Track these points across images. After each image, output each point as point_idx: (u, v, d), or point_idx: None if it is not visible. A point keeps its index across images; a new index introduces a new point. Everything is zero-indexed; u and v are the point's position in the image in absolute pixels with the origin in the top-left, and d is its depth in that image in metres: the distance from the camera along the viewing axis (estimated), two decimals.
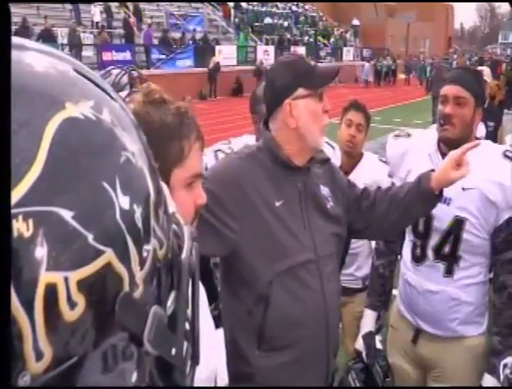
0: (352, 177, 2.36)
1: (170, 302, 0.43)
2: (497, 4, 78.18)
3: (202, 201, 1.01)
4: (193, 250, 0.47)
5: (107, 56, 16.54)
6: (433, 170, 1.57)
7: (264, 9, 27.61)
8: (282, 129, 1.48)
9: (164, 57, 18.67)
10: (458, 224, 1.79)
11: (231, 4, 25.02)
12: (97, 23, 18.94)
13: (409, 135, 2.00)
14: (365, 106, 2.56)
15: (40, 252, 0.31)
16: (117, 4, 20.14)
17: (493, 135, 4.21)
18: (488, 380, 1.77)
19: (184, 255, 0.45)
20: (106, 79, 2.02)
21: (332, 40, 29.97)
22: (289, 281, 1.45)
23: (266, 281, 1.42)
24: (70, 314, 0.32)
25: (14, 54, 0.37)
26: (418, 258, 1.92)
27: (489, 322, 1.92)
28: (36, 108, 0.34)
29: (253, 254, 1.42)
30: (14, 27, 14.63)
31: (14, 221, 0.30)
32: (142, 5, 20.97)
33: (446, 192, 1.76)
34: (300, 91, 1.44)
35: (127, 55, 17.37)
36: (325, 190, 1.57)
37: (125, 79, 2.23)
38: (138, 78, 2.35)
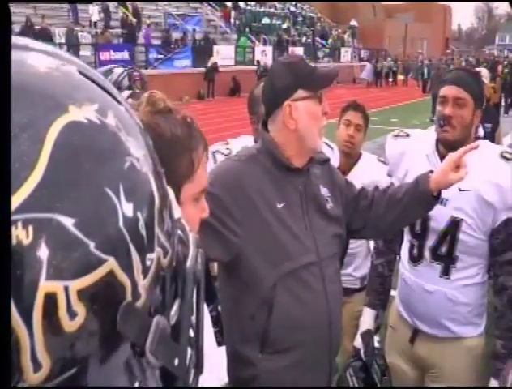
0: (350, 177, 2.36)
1: (174, 311, 0.42)
2: (495, 5, 78.42)
3: (206, 214, 0.98)
4: (198, 257, 0.46)
5: (105, 56, 16.51)
6: (431, 171, 1.57)
7: (262, 9, 27.62)
8: (281, 130, 1.48)
9: (161, 57, 18.67)
10: (454, 224, 1.79)
11: (229, 4, 25.01)
12: (95, 22, 18.91)
13: (408, 135, 2.00)
14: (364, 106, 2.57)
15: (40, 260, 0.30)
16: (115, 3, 20.11)
17: (491, 137, 4.21)
18: (494, 384, 1.76)
19: (189, 263, 0.44)
20: (107, 78, 1.99)
21: (330, 40, 29.99)
22: (292, 284, 1.44)
23: (270, 285, 1.42)
24: (69, 325, 0.31)
25: (17, 55, 0.36)
26: (415, 259, 1.92)
27: (487, 323, 1.93)
28: (38, 110, 0.33)
29: (256, 257, 1.42)
30: (18, 26, 14.60)
31: (13, 228, 0.29)
32: (140, 4, 20.95)
33: (443, 193, 1.76)
34: (300, 92, 1.44)
35: (125, 55, 17.34)
36: (324, 191, 1.57)
37: (126, 79, 2.22)
38: (139, 79, 2.34)
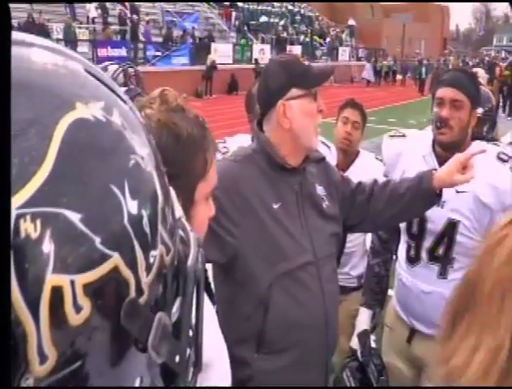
0: (348, 175, 2.36)
1: (175, 309, 0.43)
2: (493, 6, 78.62)
3: (213, 213, 1.00)
4: (199, 256, 0.46)
5: (102, 52, 16.46)
6: (434, 169, 1.57)
7: (260, 7, 27.59)
8: (276, 129, 1.47)
9: (159, 54, 18.63)
10: (451, 226, 1.79)
11: (227, 3, 24.98)
12: (93, 18, 18.85)
13: (404, 136, 2.00)
14: (361, 104, 2.57)
15: (47, 253, 0.31)
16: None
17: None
18: None
19: (190, 262, 0.44)
20: None
21: (328, 39, 29.99)
22: (289, 284, 1.44)
23: (266, 285, 1.42)
24: (75, 318, 0.32)
25: (25, 52, 0.36)
26: (412, 260, 1.93)
27: None
28: (47, 107, 0.33)
29: (253, 258, 1.42)
30: (15, 22, 14.56)
31: (21, 221, 0.30)
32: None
33: None
34: (294, 91, 1.43)
35: (123, 51, 17.30)
36: (320, 190, 1.57)
37: (121, 76, 2.22)
38: (134, 75, 2.34)
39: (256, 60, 21.01)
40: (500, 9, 76.37)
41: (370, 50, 32.56)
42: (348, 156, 2.50)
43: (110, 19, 19.38)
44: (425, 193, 1.54)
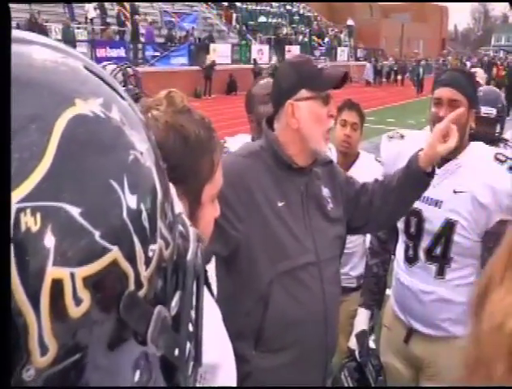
0: None
1: (174, 303, 0.43)
2: (491, 6, 78.73)
3: (218, 213, 1.01)
4: (198, 251, 0.46)
5: (101, 52, 16.46)
6: (421, 149, 1.55)
7: (259, 8, 27.59)
8: (285, 129, 1.48)
9: (158, 54, 18.63)
10: (449, 226, 1.80)
11: (226, 4, 24.98)
12: (91, 19, 18.84)
13: (402, 137, 2.01)
14: (359, 105, 2.57)
15: (47, 247, 0.31)
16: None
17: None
18: None
19: (189, 256, 0.45)
20: None
21: (327, 40, 30.01)
22: (289, 283, 1.44)
23: (267, 281, 1.42)
24: (75, 311, 0.32)
25: (26, 49, 0.37)
26: (410, 259, 1.93)
27: None
28: (47, 103, 0.34)
29: (255, 253, 1.42)
30: (14, 23, 14.58)
31: (22, 215, 0.30)
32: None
33: (438, 195, 1.76)
34: (303, 92, 1.44)
35: (121, 52, 17.29)
36: (325, 192, 1.57)
37: (120, 75, 2.22)
38: (133, 75, 2.34)
39: (255, 60, 21.03)
40: (498, 9, 76.51)
41: (369, 50, 32.59)
42: (348, 157, 2.51)
43: (108, 20, 19.37)
44: (415, 175, 1.53)
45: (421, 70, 23.17)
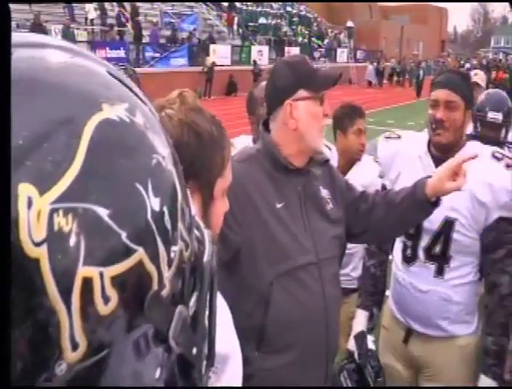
0: (349, 177, 2.37)
1: (192, 303, 0.44)
2: (491, 8, 78.84)
3: (228, 207, 1.05)
4: (213, 253, 0.48)
5: (101, 53, 16.45)
6: (429, 176, 1.55)
7: (259, 9, 27.61)
8: (281, 129, 1.48)
9: (158, 55, 18.65)
10: (448, 224, 1.80)
11: (225, 4, 25.00)
12: (91, 20, 18.85)
13: (399, 137, 2.01)
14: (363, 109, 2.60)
15: (78, 246, 0.33)
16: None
17: None
18: (483, 381, 1.78)
19: (206, 258, 0.46)
20: None
21: (326, 41, 30.03)
22: (290, 283, 1.45)
23: (267, 282, 1.42)
24: (103, 309, 0.34)
25: (58, 55, 0.39)
26: (409, 259, 1.93)
27: (482, 322, 1.94)
28: (76, 108, 0.36)
29: (256, 255, 1.42)
30: (13, 23, 14.64)
31: (55, 215, 0.32)
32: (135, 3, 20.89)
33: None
34: (301, 92, 1.44)
35: (121, 52, 17.30)
36: (325, 192, 1.57)
37: None
38: (131, 76, 2.34)
39: (254, 61, 21.04)
40: (498, 10, 76.64)
41: (368, 52, 32.63)
42: (350, 159, 2.52)
43: (109, 21, 19.38)
44: (419, 202, 1.53)
45: (421, 72, 23.17)
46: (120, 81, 0.42)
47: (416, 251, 1.90)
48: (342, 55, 29.97)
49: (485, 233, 1.79)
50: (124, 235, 0.35)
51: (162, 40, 19.76)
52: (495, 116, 2.76)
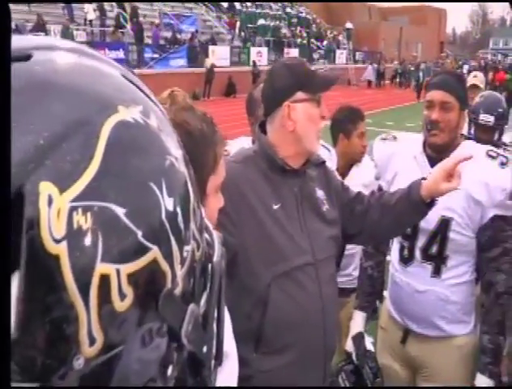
0: (349, 178, 2.38)
1: (203, 302, 0.45)
2: (489, 10, 78.96)
3: (222, 204, 1.06)
4: (223, 255, 0.49)
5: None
6: (424, 178, 1.56)
7: (258, 10, 27.63)
8: (279, 131, 1.48)
9: (157, 56, 18.65)
10: (444, 224, 1.81)
11: (224, 4, 25.01)
12: (90, 20, 18.85)
13: (395, 138, 2.03)
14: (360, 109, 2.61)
15: (96, 244, 0.33)
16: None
17: None
18: (480, 379, 1.79)
19: (215, 259, 0.47)
20: None
21: (325, 42, 30.06)
22: (287, 284, 1.45)
23: (265, 284, 1.43)
24: (120, 305, 0.35)
25: (74, 58, 0.40)
26: (406, 259, 1.94)
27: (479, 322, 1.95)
28: (94, 109, 0.37)
29: (252, 257, 1.43)
30: (13, 24, 14.61)
31: (74, 213, 0.33)
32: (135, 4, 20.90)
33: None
34: (300, 94, 1.45)
35: (120, 53, 17.30)
36: (320, 193, 1.58)
37: None
38: None
39: (254, 62, 21.05)
40: (496, 12, 76.77)
41: (367, 53, 32.66)
42: (349, 160, 2.53)
43: (108, 22, 19.38)
44: (415, 203, 1.53)
45: (421, 74, 23.18)
46: (133, 84, 0.43)
47: (412, 251, 1.91)
48: (341, 56, 29.98)
49: (481, 232, 1.80)
50: (140, 234, 0.36)
51: (161, 42, 19.77)
52: (487, 118, 2.76)
